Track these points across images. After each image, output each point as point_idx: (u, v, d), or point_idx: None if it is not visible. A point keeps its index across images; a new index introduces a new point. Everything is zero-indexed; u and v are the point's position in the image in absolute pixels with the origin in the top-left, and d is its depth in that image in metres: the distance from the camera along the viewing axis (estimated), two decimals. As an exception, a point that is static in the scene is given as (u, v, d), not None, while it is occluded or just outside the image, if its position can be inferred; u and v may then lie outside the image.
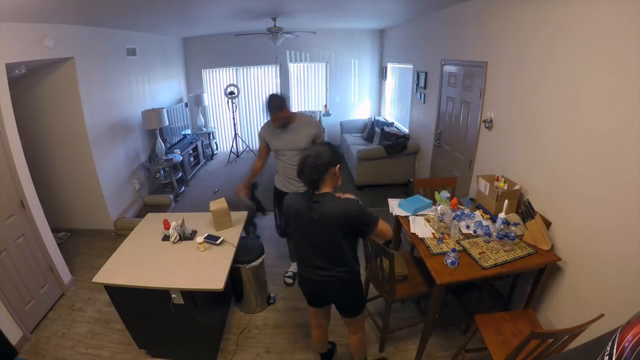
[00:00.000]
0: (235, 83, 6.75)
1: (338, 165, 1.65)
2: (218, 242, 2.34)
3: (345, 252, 1.68)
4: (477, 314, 2.02)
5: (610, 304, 1.78)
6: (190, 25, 5.18)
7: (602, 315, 1.61)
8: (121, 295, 2.09)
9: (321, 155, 1.59)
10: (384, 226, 1.70)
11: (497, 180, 2.67)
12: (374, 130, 6.03)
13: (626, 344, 0.62)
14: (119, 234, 3.99)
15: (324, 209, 1.59)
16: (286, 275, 3.24)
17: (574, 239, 2.05)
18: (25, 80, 3.38)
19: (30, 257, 2.76)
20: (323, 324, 2.13)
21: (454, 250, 2.01)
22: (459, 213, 2.49)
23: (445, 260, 2.01)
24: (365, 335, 2.44)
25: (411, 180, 4.87)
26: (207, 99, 6.85)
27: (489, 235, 2.27)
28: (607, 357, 0.66)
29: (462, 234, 2.34)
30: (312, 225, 1.63)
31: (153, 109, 4.76)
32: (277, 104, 2.49)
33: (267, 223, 4.27)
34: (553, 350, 1.68)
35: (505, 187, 2.54)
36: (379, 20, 5.70)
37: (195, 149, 6.16)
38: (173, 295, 1.99)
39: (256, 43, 5.64)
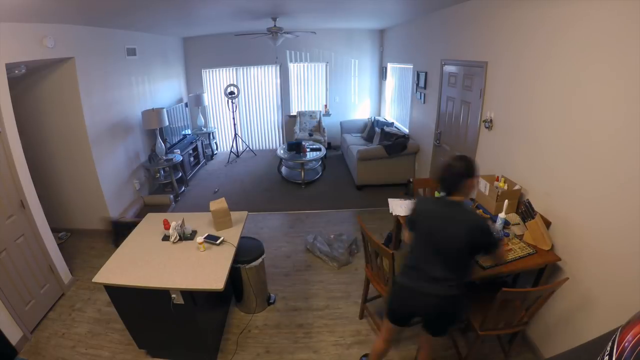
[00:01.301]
0: (235, 83, 6.75)
1: (475, 178, 1.67)
2: (218, 242, 2.34)
3: (466, 263, 1.70)
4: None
5: (610, 304, 1.79)
6: (190, 25, 5.18)
7: (567, 278, 1.84)
8: (121, 295, 2.09)
9: (458, 166, 1.65)
10: (504, 249, 1.75)
11: (497, 180, 2.67)
12: (374, 130, 6.03)
13: (626, 344, 0.63)
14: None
15: (458, 215, 1.64)
16: None
17: (574, 239, 2.05)
18: (25, 80, 3.37)
19: (30, 257, 2.75)
20: (392, 340, 2.03)
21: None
22: (459, 213, 2.49)
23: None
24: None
25: (411, 180, 4.86)
26: (207, 99, 6.85)
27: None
28: (607, 357, 0.66)
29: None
30: (442, 228, 1.65)
31: (153, 109, 4.76)
32: None
33: (267, 223, 4.27)
34: (526, 314, 1.90)
35: (505, 187, 2.54)
36: (379, 20, 5.70)
37: (195, 149, 6.16)
38: (173, 295, 1.99)
39: (256, 43, 5.64)
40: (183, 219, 2.49)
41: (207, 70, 6.89)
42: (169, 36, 5.94)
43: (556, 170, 2.18)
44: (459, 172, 1.63)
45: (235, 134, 6.90)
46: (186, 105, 6.42)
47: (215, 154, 7.21)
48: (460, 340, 2.44)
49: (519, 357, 2.33)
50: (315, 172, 5.86)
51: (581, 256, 1.99)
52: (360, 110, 7.33)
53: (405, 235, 1.94)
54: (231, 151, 6.92)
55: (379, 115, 7.20)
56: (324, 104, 7.28)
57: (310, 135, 6.68)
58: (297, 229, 4.12)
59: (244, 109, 7.23)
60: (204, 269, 2.10)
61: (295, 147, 5.54)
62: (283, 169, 5.93)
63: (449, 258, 1.66)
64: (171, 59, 6.08)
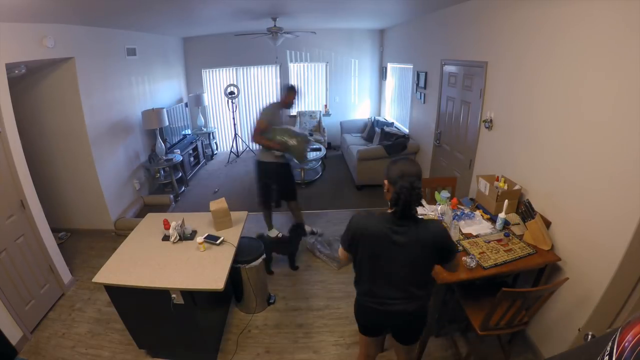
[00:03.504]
0: (235, 83, 6.75)
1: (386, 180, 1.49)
2: (218, 242, 2.34)
3: (428, 278, 1.57)
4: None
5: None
6: (190, 25, 5.18)
7: (567, 278, 1.83)
8: (121, 295, 2.09)
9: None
10: (460, 257, 1.62)
11: (497, 180, 2.66)
12: (374, 130, 6.03)
13: (626, 344, 0.62)
14: (119, 234, 3.99)
15: (416, 233, 1.44)
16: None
17: (574, 239, 2.04)
18: (25, 80, 3.37)
19: (30, 257, 2.75)
20: (373, 355, 1.93)
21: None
22: (459, 213, 2.49)
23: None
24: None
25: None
26: (207, 99, 6.85)
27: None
28: (607, 357, 0.66)
29: (462, 234, 2.33)
30: (395, 250, 1.46)
31: (153, 109, 4.76)
32: None
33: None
34: (526, 314, 1.90)
35: (505, 187, 2.54)
36: (379, 20, 5.70)
37: (195, 149, 6.16)
38: (173, 295, 1.99)
39: (256, 43, 5.64)
40: (183, 219, 2.49)
41: (207, 70, 6.89)
42: (169, 36, 5.94)
43: (556, 170, 2.18)
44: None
45: (235, 134, 6.90)
46: (186, 105, 6.42)
47: (215, 154, 7.21)
48: (460, 340, 2.45)
49: (519, 357, 2.33)
50: (315, 172, 5.86)
51: (581, 256, 1.98)
52: (360, 110, 7.33)
53: (341, 254, 1.66)
54: (231, 151, 6.92)
55: (379, 115, 7.20)
56: (324, 104, 7.28)
57: (310, 135, 6.68)
58: (297, 229, 4.11)
59: (244, 109, 7.23)
60: (204, 269, 2.10)
61: (295, 147, 5.53)
62: (283, 169, 5.92)
63: (411, 277, 1.52)
64: (171, 59, 6.08)
